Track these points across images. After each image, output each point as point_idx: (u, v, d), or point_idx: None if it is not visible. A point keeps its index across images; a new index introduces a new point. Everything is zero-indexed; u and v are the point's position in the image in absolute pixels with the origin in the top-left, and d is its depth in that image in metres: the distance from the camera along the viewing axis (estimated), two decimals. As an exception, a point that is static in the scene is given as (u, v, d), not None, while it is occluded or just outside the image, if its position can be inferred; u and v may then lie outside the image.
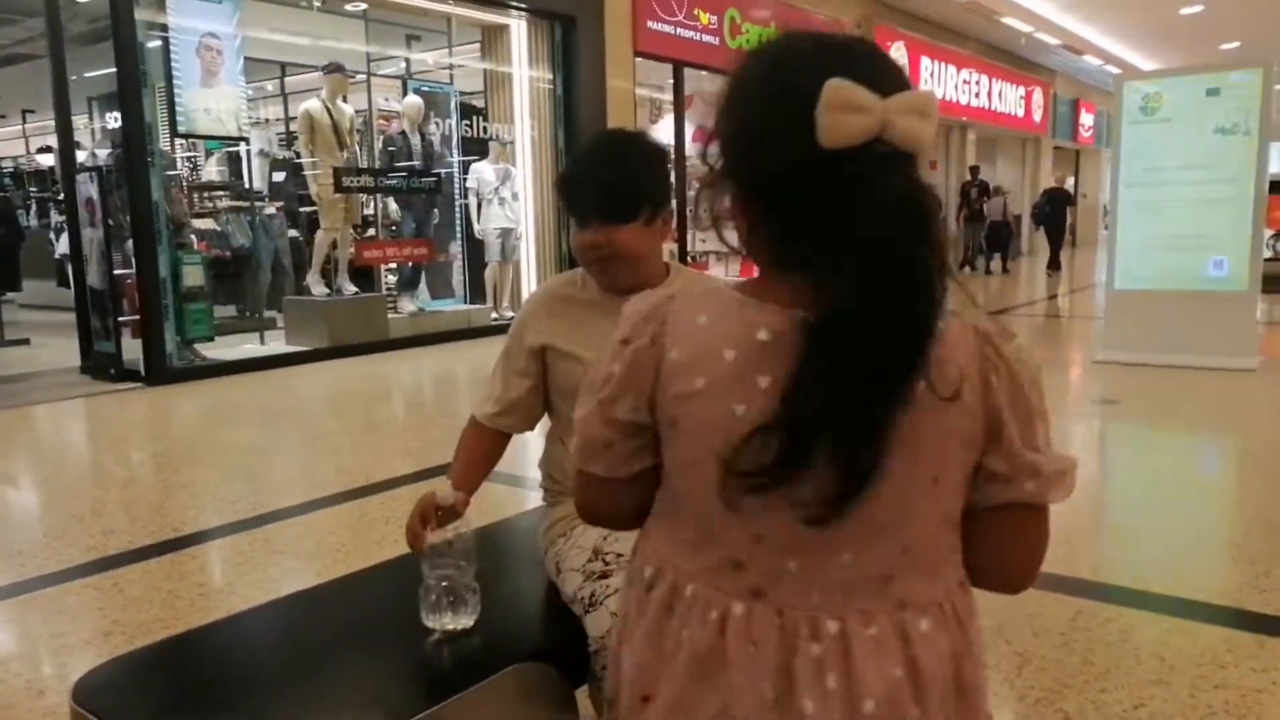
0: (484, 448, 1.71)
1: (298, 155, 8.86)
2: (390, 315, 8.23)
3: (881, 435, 0.75)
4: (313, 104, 7.67)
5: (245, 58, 6.95)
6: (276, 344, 7.77)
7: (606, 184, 1.55)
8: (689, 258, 12.14)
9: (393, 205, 8.92)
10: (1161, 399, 5.44)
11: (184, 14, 6.47)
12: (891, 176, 0.75)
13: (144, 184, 6.30)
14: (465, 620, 1.51)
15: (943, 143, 16.63)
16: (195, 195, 9.17)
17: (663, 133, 11.99)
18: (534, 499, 1.73)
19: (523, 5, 8.80)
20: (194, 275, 6.74)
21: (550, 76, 9.24)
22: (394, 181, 8.12)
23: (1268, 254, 8.34)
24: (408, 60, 10.03)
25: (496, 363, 1.73)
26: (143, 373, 6.38)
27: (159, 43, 6.46)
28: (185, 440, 5.15)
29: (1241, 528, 3.27)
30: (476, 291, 9.35)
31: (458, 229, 9.22)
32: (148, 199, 6.32)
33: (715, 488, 0.81)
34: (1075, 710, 2.02)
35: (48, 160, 12.98)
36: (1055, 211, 15.90)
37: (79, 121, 10.08)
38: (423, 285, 8.86)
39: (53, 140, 10.11)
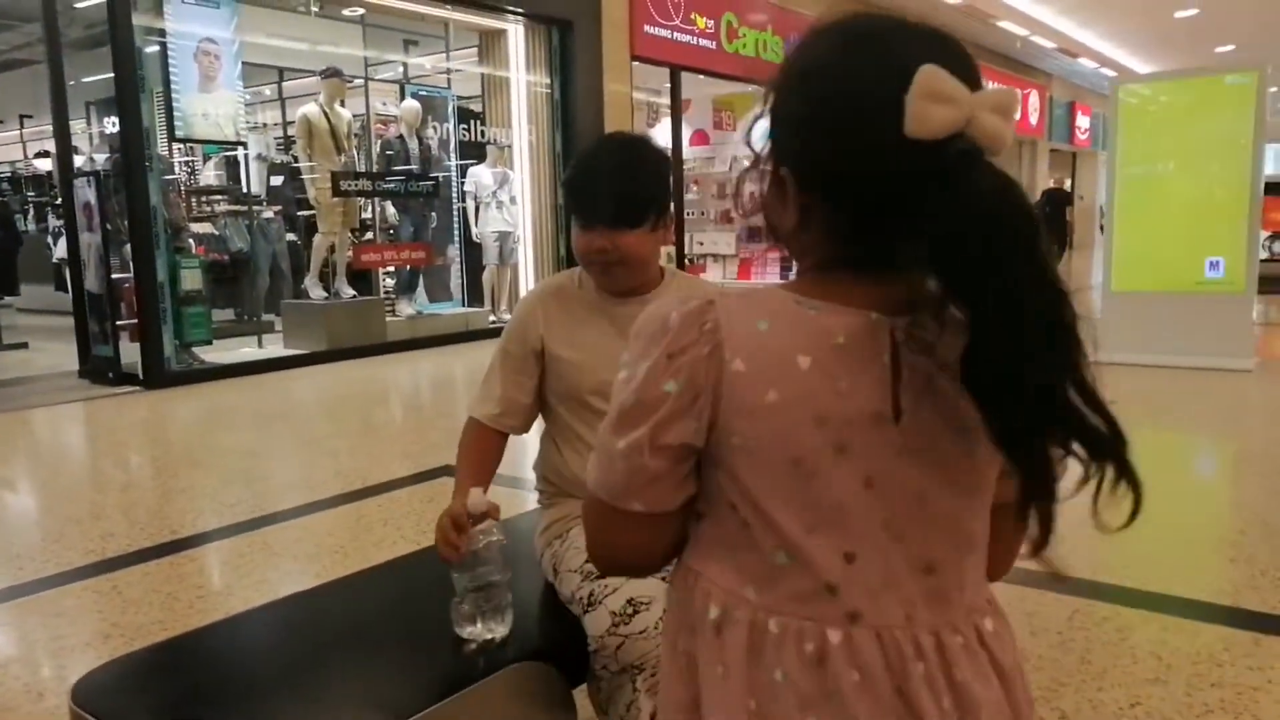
0: (490, 447, 1.69)
1: (295, 159, 8.87)
2: (388, 318, 8.24)
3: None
4: (310, 108, 7.68)
5: (243, 63, 6.96)
6: (274, 347, 7.78)
7: (618, 191, 1.56)
8: (686, 260, 12.16)
9: (390, 209, 8.93)
10: (1158, 400, 5.45)
11: (182, 19, 6.48)
12: (984, 173, 0.69)
13: (142, 188, 6.30)
14: (501, 629, 1.48)
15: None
16: (193, 200, 9.18)
17: (660, 137, 12.02)
18: (530, 500, 1.73)
19: (520, 10, 8.81)
20: (192, 279, 6.75)
21: (547, 81, 9.25)
22: (392, 185, 8.13)
23: (1264, 255, 8.36)
24: (405, 65, 10.05)
25: (493, 362, 1.73)
26: (141, 376, 6.38)
27: (157, 48, 6.47)
28: (183, 443, 5.15)
29: (1238, 527, 3.28)
30: (474, 295, 9.36)
31: (455, 232, 9.24)
32: (146, 203, 6.32)
33: (800, 506, 0.75)
34: (1072, 709, 2.02)
35: (45, 165, 12.99)
36: (1055, 212, 15.97)
37: (77, 126, 10.09)
38: (420, 288, 8.87)
39: (50, 145, 10.12)
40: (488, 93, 9.34)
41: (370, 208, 8.88)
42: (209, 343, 7.01)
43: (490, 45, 9.24)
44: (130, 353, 6.48)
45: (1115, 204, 6.77)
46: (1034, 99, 19.21)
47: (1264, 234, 10.13)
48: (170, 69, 6.42)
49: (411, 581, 1.81)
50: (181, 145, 8.86)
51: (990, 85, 0.73)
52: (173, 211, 6.89)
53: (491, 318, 8.92)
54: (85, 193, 6.54)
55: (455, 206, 9.12)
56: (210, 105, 6.66)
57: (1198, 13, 12.81)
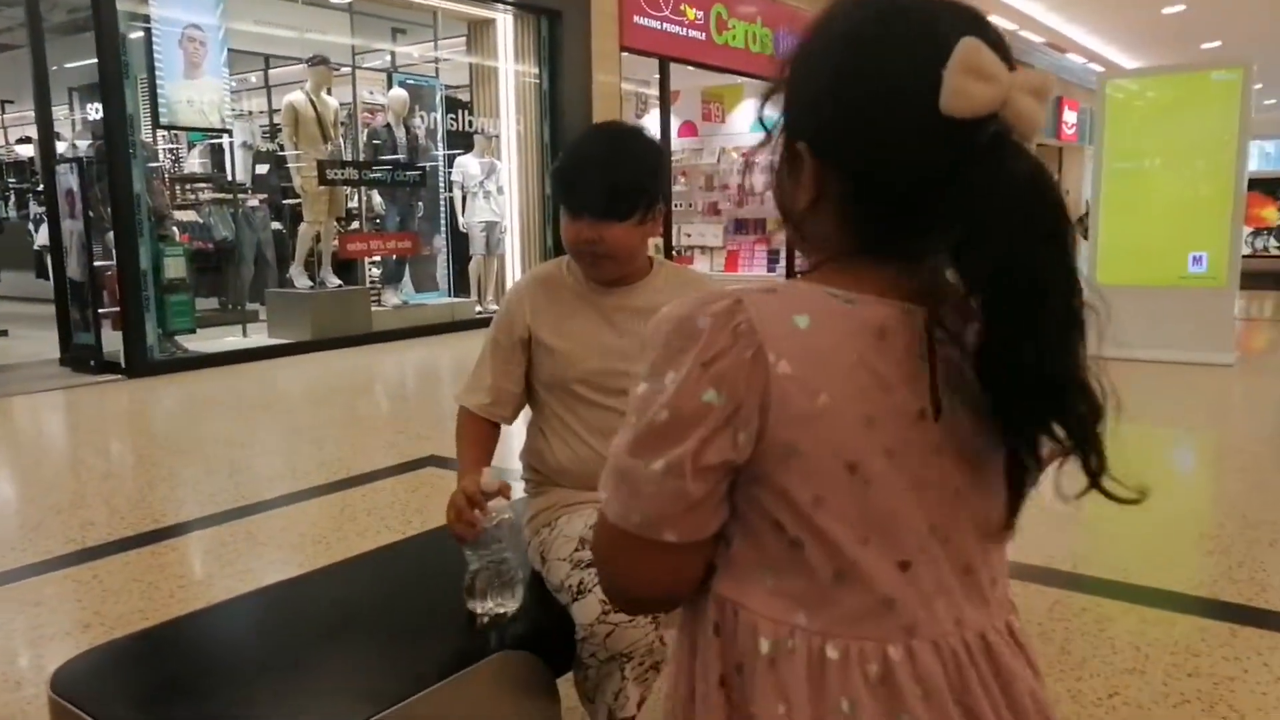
0: (485, 433, 1.71)
1: (281, 148, 8.81)
2: (374, 308, 8.20)
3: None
4: (297, 96, 7.63)
5: (229, 49, 6.90)
6: (259, 336, 7.73)
7: (608, 182, 1.56)
8: (674, 252, 12.16)
9: (377, 198, 8.89)
10: (1140, 393, 5.49)
11: (166, 5, 6.41)
12: (1016, 157, 0.66)
13: (125, 175, 6.25)
14: (512, 604, 1.51)
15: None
16: (178, 187, 9.10)
17: (648, 128, 11.99)
18: (516, 490, 1.73)
19: (508, -1, 8.78)
20: (176, 267, 6.70)
21: (536, 71, 9.22)
22: (378, 174, 8.08)
23: (1246, 250, 8.42)
24: (393, 53, 9.99)
25: (483, 352, 1.73)
26: (123, 365, 6.33)
27: (141, 34, 6.40)
28: (166, 432, 5.12)
29: (1216, 520, 3.31)
30: (461, 285, 9.33)
31: (442, 222, 9.20)
32: (129, 191, 6.27)
33: (856, 517, 0.70)
34: (1051, 698, 2.04)
35: (27, 151, 12.85)
36: None
37: (59, 112, 10.00)
38: (407, 278, 8.83)
39: (32, 131, 10.01)
40: (476, 82, 9.30)
41: (356, 197, 8.84)
42: (193, 331, 6.96)
43: (478, 34, 9.20)
44: (112, 341, 6.44)
45: (1101, 198, 6.81)
46: (1021, 93, 19.23)
47: (1246, 229, 10.21)
48: (155, 55, 6.36)
49: (395, 571, 1.81)
50: (166, 132, 8.79)
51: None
52: (157, 199, 6.84)
53: (478, 308, 8.90)
54: (68, 179, 6.48)
55: (442, 196, 9.08)
56: (195, 92, 6.60)
57: (1185, 9, 12.87)
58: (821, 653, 0.71)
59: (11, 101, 14.43)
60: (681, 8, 10.25)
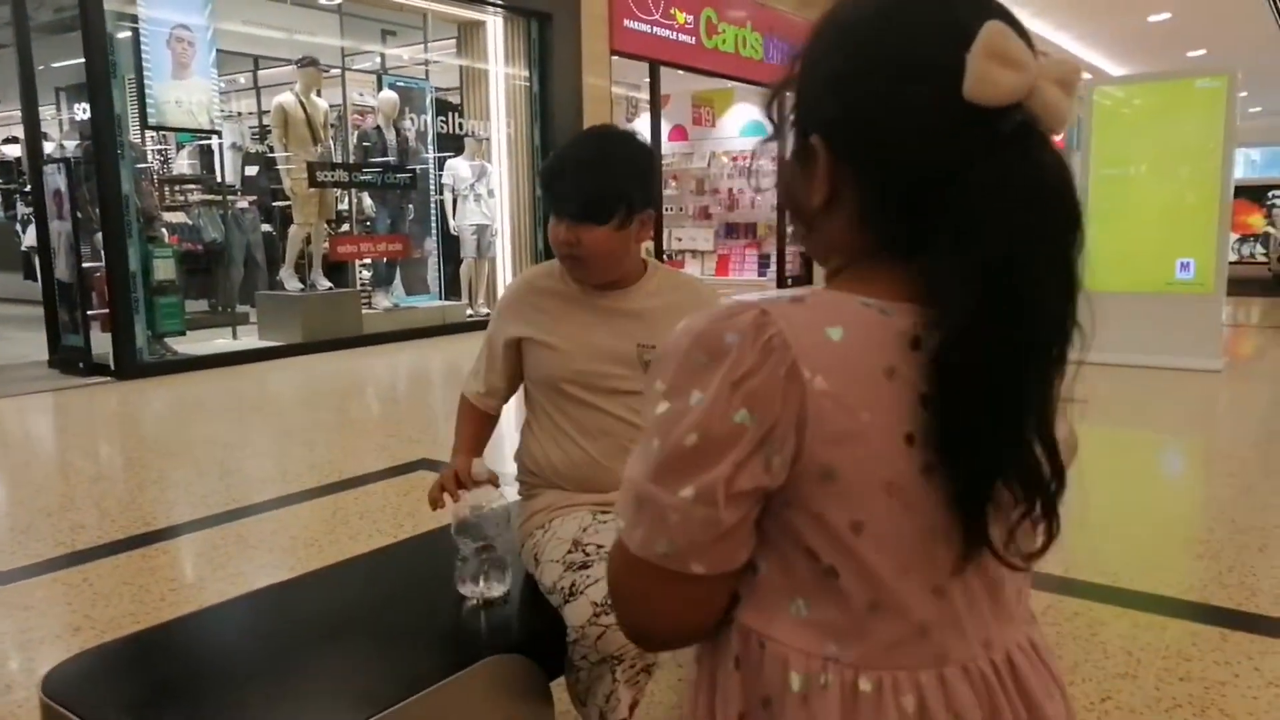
0: (481, 420, 1.81)
1: (271, 149, 8.78)
2: (364, 311, 8.18)
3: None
4: (286, 98, 7.60)
5: (217, 50, 6.88)
6: (249, 339, 7.70)
7: (583, 185, 1.57)
8: (664, 256, 12.17)
9: (367, 200, 8.86)
10: (1129, 399, 5.52)
11: (154, 5, 6.38)
12: (1042, 149, 0.63)
13: (114, 176, 6.21)
14: (500, 588, 1.57)
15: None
16: (166, 188, 9.06)
17: (642, 132, 11.99)
18: (509, 493, 1.74)
19: (499, 2, 8.77)
20: (165, 269, 6.67)
21: (526, 74, 9.22)
22: (368, 177, 8.06)
23: (1233, 257, 8.49)
24: (383, 55, 9.97)
25: (483, 345, 1.79)
26: (112, 367, 6.30)
27: (129, 33, 6.38)
28: (156, 435, 5.08)
29: (1206, 525, 3.33)
30: (452, 288, 9.31)
31: (433, 225, 9.18)
32: (117, 191, 6.24)
33: (894, 542, 0.66)
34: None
35: (13, 151, 12.76)
36: None
37: (46, 112, 9.93)
38: (397, 281, 8.81)
39: (19, 131, 9.94)
40: (466, 85, 9.29)
41: (347, 199, 8.81)
42: (182, 333, 6.93)
43: (469, 37, 9.19)
44: (101, 343, 6.40)
45: (1088, 204, 6.83)
46: (1010, 100, 19.34)
47: (1233, 236, 10.28)
48: (143, 55, 6.33)
49: (388, 574, 1.81)
50: (154, 133, 8.75)
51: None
52: (145, 200, 6.80)
53: (469, 311, 8.88)
54: (55, 180, 6.44)
55: (433, 199, 9.07)
56: (184, 93, 6.58)
57: (1171, 17, 12.97)
58: (855, 686, 0.67)
59: (-2, 101, 14.34)
60: (671, 12, 10.28)
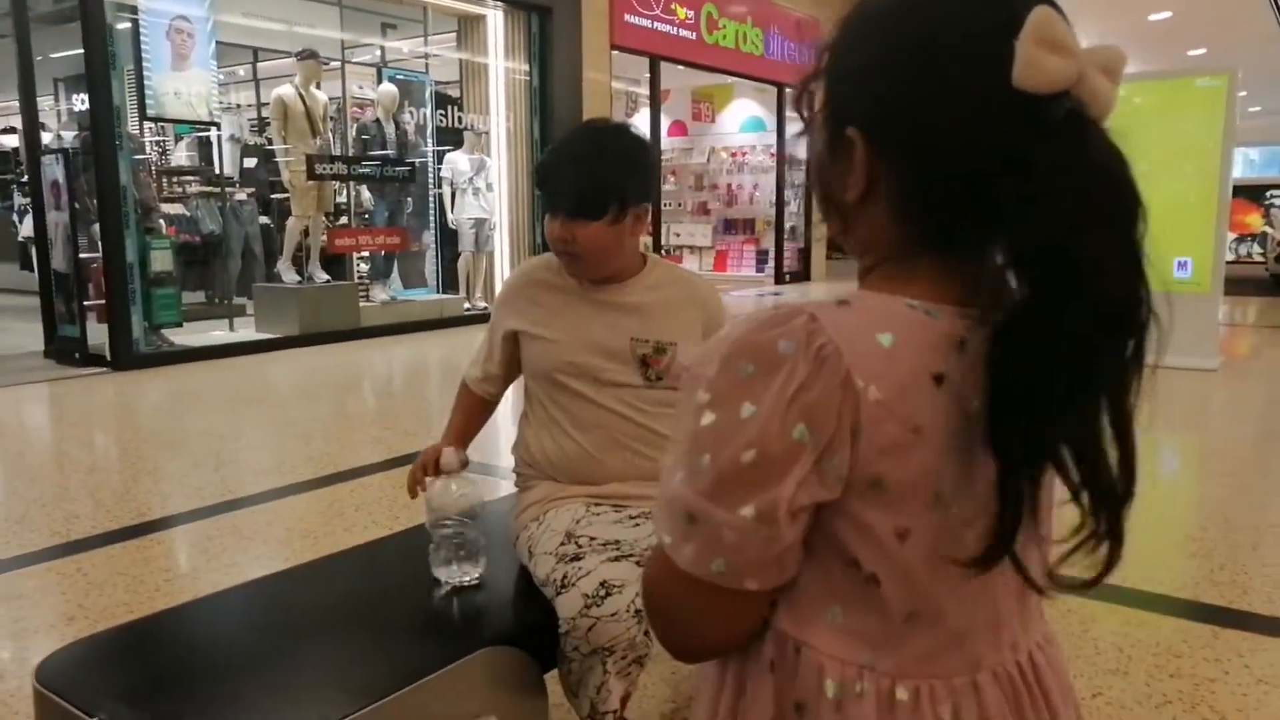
0: (476, 407, 1.85)
1: (270, 141, 8.76)
2: (362, 304, 8.17)
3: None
4: (286, 90, 7.59)
5: (217, 42, 6.86)
6: (246, 331, 7.69)
7: (575, 181, 1.57)
8: (663, 251, 12.16)
9: (366, 193, 8.85)
10: (1125, 397, 5.51)
11: (154, -5, 6.38)
12: (1097, 138, 0.60)
13: (111, 167, 6.20)
14: (474, 572, 1.59)
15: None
16: (164, 180, 9.04)
17: (637, 124, 11.99)
18: (505, 486, 1.75)
19: (500, -5, 8.76)
20: (162, 260, 6.66)
21: (526, 68, 9.21)
22: (367, 169, 8.06)
23: (1230, 257, 8.50)
24: (383, 48, 9.96)
25: (486, 332, 1.81)
26: (108, 358, 6.29)
27: (128, 24, 6.36)
28: (152, 426, 5.08)
29: (1199, 523, 3.34)
30: (449, 281, 9.31)
31: (431, 218, 9.18)
32: (115, 183, 6.23)
33: (937, 550, 0.65)
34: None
35: (11, 141, 12.73)
36: None
37: (44, 103, 9.90)
38: (395, 274, 8.81)
39: (17, 121, 9.92)
40: (466, 78, 9.28)
41: (345, 192, 8.80)
42: (179, 325, 6.92)
43: (469, 30, 9.18)
44: (97, 334, 6.39)
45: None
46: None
47: (1231, 236, 10.29)
48: (142, 46, 6.31)
49: (383, 566, 1.81)
50: (153, 124, 8.74)
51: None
52: (143, 191, 6.79)
53: (466, 305, 8.88)
54: (53, 170, 6.43)
55: (431, 192, 9.06)
56: (183, 84, 6.56)
57: (1171, 15, 12.96)
58: (891, 695, 0.66)
59: (-4, 91, 14.30)
60: (672, 7, 10.26)
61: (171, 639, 1.51)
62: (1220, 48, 14.38)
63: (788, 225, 13.31)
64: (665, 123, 12.74)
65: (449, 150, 8.86)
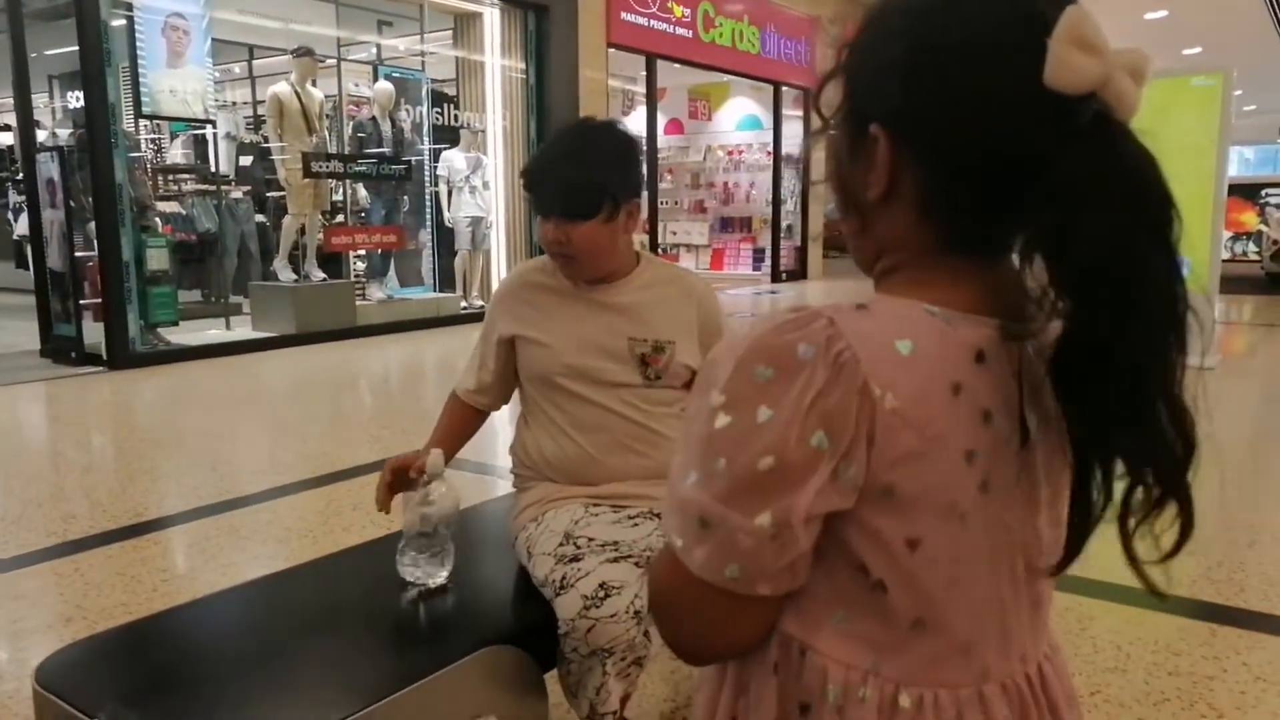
0: (462, 419, 1.80)
1: (265, 139, 8.75)
2: (358, 302, 8.16)
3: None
4: (281, 88, 7.58)
5: (213, 39, 6.84)
6: (243, 329, 7.68)
7: (565, 182, 1.57)
8: (659, 250, 12.16)
9: (362, 192, 8.84)
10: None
11: (150, -7, 6.36)
12: (1125, 140, 0.60)
13: (107, 165, 6.19)
14: (441, 575, 1.56)
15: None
16: (160, 178, 9.02)
17: (635, 125, 12.00)
18: (503, 486, 1.74)
19: (496, -7, 8.75)
20: (158, 259, 6.65)
21: (523, 66, 9.20)
22: (363, 168, 8.05)
23: (1226, 255, 8.51)
24: (379, 46, 9.94)
25: (477, 340, 1.78)
26: (105, 357, 6.28)
27: (123, 21, 6.34)
28: (148, 425, 5.07)
29: (1196, 521, 3.35)
30: (446, 280, 9.30)
31: (428, 217, 9.17)
32: (111, 181, 6.21)
33: (948, 560, 0.65)
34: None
35: (6, 139, 12.69)
36: None
37: (39, 100, 9.87)
38: (391, 273, 8.80)
39: (11, 119, 9.89)
40: (462, 76, 9.27)
41: (341, 190, 8.79)
42: (175, 324, 6.91)
43: (465, 28, 9.17)
44: (93, 333, 6.38)
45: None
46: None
47: (1226, 234, 10.31)
48: (137, 43, 6.30)
49: (381, 566, 1.80)
50: (148, 122, 8.71)
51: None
52: (139, 189, 6.78)
53: (463, 303, 8.87)
54: (48, 168, 6.41)
55: (428, 190, 9.05)
56: (178, 81, 6.55)
57: (1167, 14, 12.99)
58: (894, 701, 0.66)
59: (-10, 89, 14.25)
60: (669, 5, 10.26)
61: (171, 639, 1.50)
62: (1216, 46, 14.41)
63: (784, 224, 13.33)
64: (662, 121, 12.73)
65: (445, 148, 8.85)
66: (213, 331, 7.55)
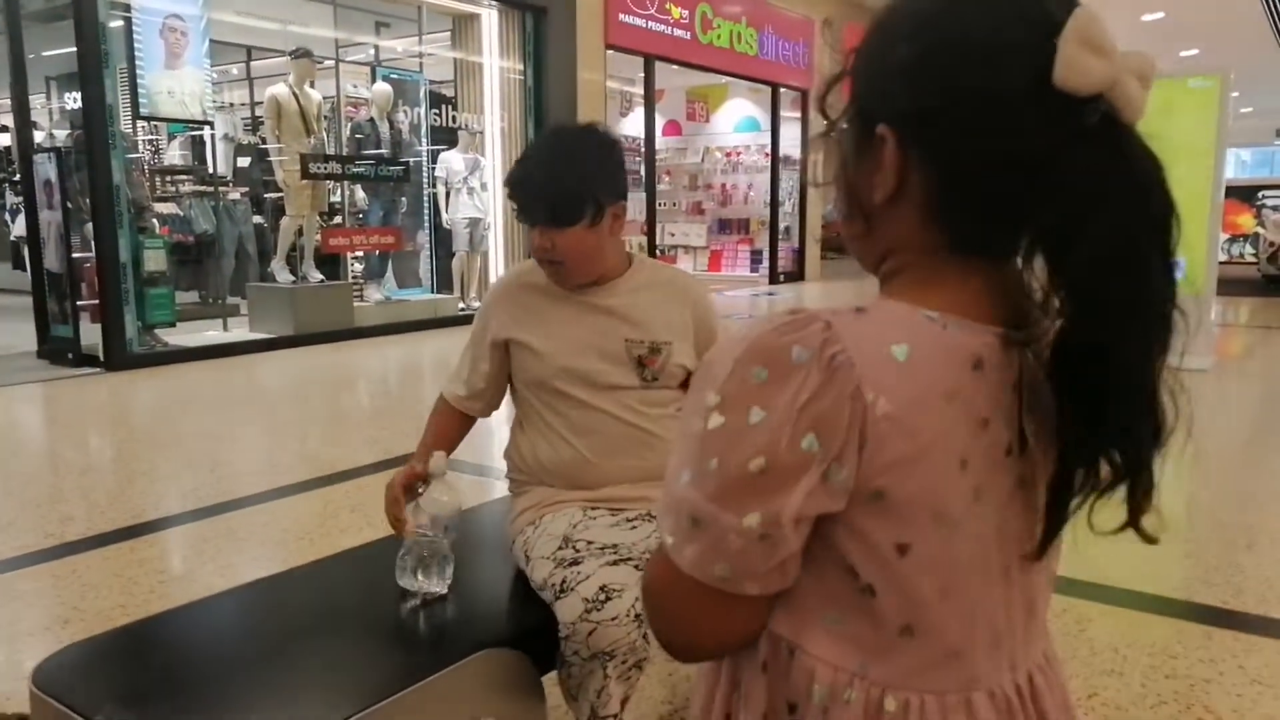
0: (453, 425, 1.78)
1: (263, 140, 8.74)
2: (356, 304, 8.16)
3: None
4: (279, 89, 7.58)
5: (210, 40, 6.84)
6: (240, 331, 7.67)
7: (547, 192, 1.57)
8: (657, 251, 12.16)
9: (360, 193, 8.83)
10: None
11: (148, -6, 6.36)
12: (1132, 143, 0.61)
13: (104, 166, 6.18)
14: (440, 586, 1.55)
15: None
16: (158, 179, 9.01)
17: (633, 126, 12.02)
18: (500, 488, 1.74)
19: (494, -6, 8.75)
20: (156, 260, 6.64)
21: (521, 67, 9.20)
22: (361, 169, 8.04)
23: (1223, 257, 8.53)
24: (377, 47, 9.94)
25: (466, 345, 1.76)
26: (102, 358, 6.27)
27: (121, 22, 6.34)
28: (146, 426, 5.07)
29: (1192, 523, 3.35)
30: (443, 281, 9.30)
31: (425, 218, 9.17)
32: (108, 182, 6.21)
33: (938, 566, 0.65)
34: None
35: (3, 140, 12.68)
36: None
37: (36, 101, 9.86)
38: (389, 274, 8.80)
39: (9, 120, 9.88)
40: (460, 77, 9.27)
41: (339, 191, 8.79)
42: (173, 325, 6.91)
43: (463, 29, 9.17)
44: (91, 334, 6.38)
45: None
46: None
47: (1223, 236, 10.34)
48: (135, 44, 6.30)
49: (379, 568, 1.80)
50: (146, 123, 8.71)
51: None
52: (136, 190, 6.77)
53: (461, 305, 8.87)
54: (45, 169, 6.41)
55: (425, 192, 9.05)
56: (176, 83, 6.54)
57: (1164, 16, 13.01)
58: (880, 705, 0.66)
59: (-12, 90, 14.23)
60: (667, 6, 10.27)
61: (169, 641, 1.50)
62: (1213, 48, 14.43)
63: (782, 225, 13.33)
64: (660, 122, 12.73)
65: (443, 150, 8.85)
66: (210, 333, 7.55)
